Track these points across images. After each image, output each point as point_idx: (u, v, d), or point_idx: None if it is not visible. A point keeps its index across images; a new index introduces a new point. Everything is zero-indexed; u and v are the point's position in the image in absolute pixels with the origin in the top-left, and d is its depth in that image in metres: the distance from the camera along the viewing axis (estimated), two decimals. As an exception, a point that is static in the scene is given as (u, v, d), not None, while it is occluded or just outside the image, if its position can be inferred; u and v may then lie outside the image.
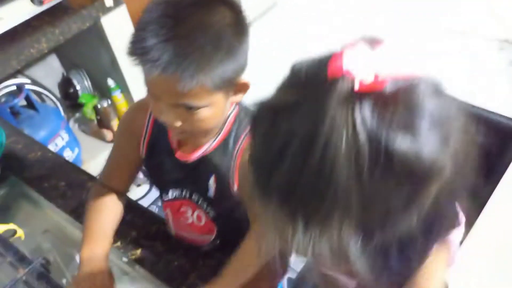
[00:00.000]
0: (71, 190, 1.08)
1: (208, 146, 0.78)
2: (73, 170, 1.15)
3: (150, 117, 0.84)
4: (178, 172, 0.83)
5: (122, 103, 2.20)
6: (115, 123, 2.22)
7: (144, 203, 1.85)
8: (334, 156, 0.31)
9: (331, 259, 0.34)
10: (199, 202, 0.84)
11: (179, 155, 0.80)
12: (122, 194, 0.91)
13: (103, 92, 2.17)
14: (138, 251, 0.94)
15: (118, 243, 0.95)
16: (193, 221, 0.89)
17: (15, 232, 0.81)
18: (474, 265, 1.59)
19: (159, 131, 0.82)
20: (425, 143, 0.31)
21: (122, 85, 2.08)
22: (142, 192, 1.91)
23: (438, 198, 0.33)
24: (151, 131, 0.84)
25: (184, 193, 0.86)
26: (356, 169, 0.31)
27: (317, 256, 0.35)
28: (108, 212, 0.87)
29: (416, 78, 0.33)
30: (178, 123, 0.67)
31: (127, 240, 0.96)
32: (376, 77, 0.32)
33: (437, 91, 0.34)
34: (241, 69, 0.66)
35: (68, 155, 1.99)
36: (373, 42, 0.35)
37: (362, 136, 0.30)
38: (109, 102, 2.14)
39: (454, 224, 0.44)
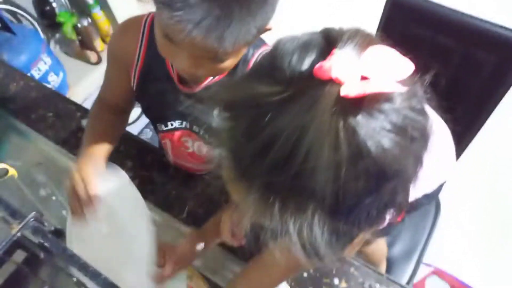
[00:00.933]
0: (60, 121, 1.05)
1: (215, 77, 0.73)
2: (60, 100, 1.10)
3: (142, 41, 0.75)
4: (179, 102, 0.76)
5: (103, 22, 2.06)
6: (99, 44, 2.10)
7: (137, 126, 1.83)
8: (316, 158, 0.33)
9: (297, 242, 0.38)
10: (201, 133, 0.81)
11: (181, 86, 0.75)
12: (124, 112, 0.89)
13: (81, 9, 2.02)
14: (136, 182, 0.93)
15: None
16: (194, 150, 0.87)
17: (7, 171, 0.79)
18: (467, 184, 1.64)
19: (154, 57, 0.73)
20: (395, 151, 0.34)
21: (102, 1, 1.93)
22: (134, 117, 1.88)
23: (396, 188, 0.37)
24: (144, 57, 0.76)
25: (184, 124, 0.82)
26: (335, 172, 0.34)
27: (285, 238, 0.38)
28: (108, 124, 0.84)
29: (395, 93, 0.35)
30: (197, 70, 0.61)
31: (123, 170, 0.95)
32: (361, 85, 0.34)
33: (412, 105, 0.36)
34: (271, 18, 0.59)
35: (53, 79, 1.92)
36: (363, 41, 0.36)
37: (344, 143, 0.33)
38: (89, 20, 2.01)
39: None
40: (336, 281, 0.80)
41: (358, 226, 0.39)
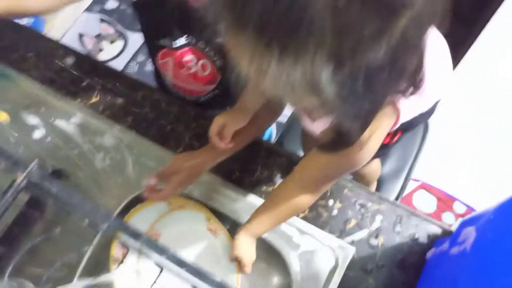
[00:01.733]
0: (43, 60, 1.01)
1: None
2: (38, 38, 1.05)
3: None
4: (184, 15, 0.73)
5: None
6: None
7: (122, 61, 1.78)
8: None
9: (303, 90, 0.35)
10: (206, 50, 0.79)
11: None
12: None
13: None
14: (129, 119, 0.93)
15: (107, 112, 0.94)
16: (197, 70, 0.85)
17: (-3, 116, 0.78)
18: (456, 100, 1.66)
19: None
20: None
21: None
22: (117, 49, 1.82)
23: (407, 29, 0.34)
24: None
25: (189, 39, 0.79)
26: (332, 2, 0.31)
27: (290, 87, 0.35)
28: None
29: None
30: None
31: (115, 109, 0.94)
32: None
33: None
34: None
35: (27, 14, 1.81)
36: None
37: None
38: None
39: (417, 69, 0.44)
40: (330, 202, 0.85)
41: (370, 87, 0.36)
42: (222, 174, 0.86)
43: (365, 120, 0.48)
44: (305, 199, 0.68)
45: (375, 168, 1.14)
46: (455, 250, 0.64)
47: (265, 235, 0.81)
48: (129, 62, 1.76)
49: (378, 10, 0.32)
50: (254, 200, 0.85)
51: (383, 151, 0.94)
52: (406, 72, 0.40)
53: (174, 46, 0.80)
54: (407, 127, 0.75)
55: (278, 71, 0.34)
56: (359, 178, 1.13)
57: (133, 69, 1.73)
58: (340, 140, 0.55)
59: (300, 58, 0.33)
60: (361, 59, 0.34)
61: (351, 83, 0.35)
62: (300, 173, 0.68)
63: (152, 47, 0.84)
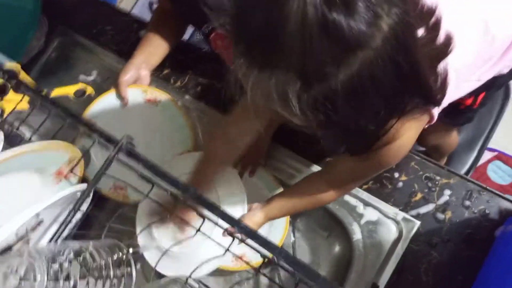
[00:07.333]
0: (120, 35, 1.08)
1: None
2: (114, 13, 1.12)
3: None
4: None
5: None
6: None
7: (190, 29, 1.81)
8: (287, 15, 0.38)
9: (277, 102, 0.42)
10: None
11: None
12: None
13: None
14: (198, 89, 0.97)
15: (178, 83, 0.99)
16: None
17: (85, 91, 0.85)
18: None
19: None
20: (356, 18, 0.38)
21: None
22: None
23: (367, 62, 0.39)
24: None
25: None
26: (302, 28, 0.38)
27: (266, 97, 0.43)
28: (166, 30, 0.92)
29: None
30: None
31: (185, 79, 0.99)
32: None
33: None
34: None
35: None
36: None
37: (311, 6, 0.38)
38: None
39: (424, 99, 0.49)
40: (396, 174, 0.84)
41: (354, 108, 0.42)
42: (286, 144, 0.88)
43: (368, 132, 0.49)
44: (329, 195, 0.71)
45: (451, 141, 1.09)
46: (528, 230, 0.61)
47: (328, 205, 0.83)
48: (195, 30, 1.79)
49: (338, 43, 0.39)
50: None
51: (467, 115, 0.90)
52: (393, 93, 0.43)
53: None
54: (489, 86, 0.72)
55: (256, 80, 0.42)
56: (432, 150, 1.09)
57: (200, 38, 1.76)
58: (353, 147, 0.58)
59: (274, 73, 0.41)
60: (327, 83, 0.40)
61: (326, 103, 0.41)
62: (328, 172, 0.73)
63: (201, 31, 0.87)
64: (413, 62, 0.43)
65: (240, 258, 0.62)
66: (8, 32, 1.00)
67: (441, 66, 0.50)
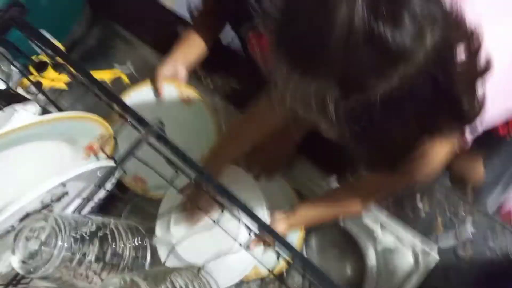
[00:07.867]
0: (159, 29, 1.09)
1: None
2: (156, 7, 1.14)
3: None
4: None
5: None
6: None
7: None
8: (333, 22, 0.38)
9: (314, 108, 0.42)
10: None
11: None
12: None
13: None
14: (229, 92, 0.98)
15: (210, 84, 0.99)
16: None
17: (119, 77, 0.86)
18: None
19: None
20: (402, 31, 0.38)
21: None
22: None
23: (406, 77, 0.39)
24: None
25: None
26: (347, 36, 0.38)
27: (304, 102, 0.43)
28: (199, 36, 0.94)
29: None
30: None
31: (217, 81, 1.00)
32: None
33: None
34: None
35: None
36: None
37: (358, 16, 0.38)
38: None
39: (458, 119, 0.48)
40: (420, 204, 0.82)
41: (389, 122, 0.42)
42: (311, 157, 0.87)
43: (400, 147, 0.49)
44: (356, 205, 0.71)
45: (476, 171, 1.05)
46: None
47: (344, 224, 0.82)
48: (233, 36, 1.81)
49: (381, 54, 0.38)
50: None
51: (495, 147, 0.88)
52: (428, 111, 0.43)
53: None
54: None
55: (296, 84, 0.42)
56: (457, 179, 1.05)
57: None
58: (383, 162, 0.56)
59: (315, 78, 0.41)
60: (366, 93, 0.40)
61: (362, 113, 0.41)
62: (356, 183, 0.75)
63: (238, 31, 0.88)
64: (451, 82, 0.43)
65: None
66: (53, 15, 1.02)
67: (478, 89, 0.49)
